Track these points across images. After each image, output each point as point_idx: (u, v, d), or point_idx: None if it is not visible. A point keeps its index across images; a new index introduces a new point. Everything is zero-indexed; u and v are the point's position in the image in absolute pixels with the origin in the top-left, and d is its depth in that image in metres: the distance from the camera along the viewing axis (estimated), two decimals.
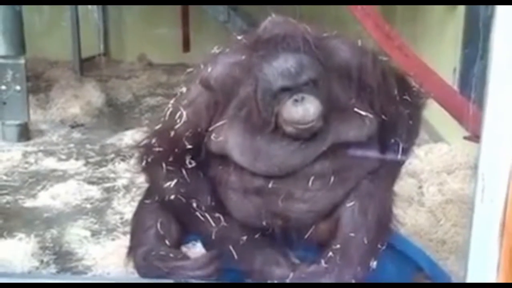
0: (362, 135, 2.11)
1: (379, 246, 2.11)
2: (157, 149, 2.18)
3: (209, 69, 2.15)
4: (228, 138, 2.10)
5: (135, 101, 5.85)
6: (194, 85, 2.19)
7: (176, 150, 2.14)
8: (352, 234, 2.08)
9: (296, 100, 1.97)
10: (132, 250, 2.28)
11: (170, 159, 2.15)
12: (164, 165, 2.15)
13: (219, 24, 6.32)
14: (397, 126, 2.23)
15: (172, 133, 2.13)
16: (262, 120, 2.04)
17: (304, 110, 1.96)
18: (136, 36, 7.29)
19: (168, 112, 2.18)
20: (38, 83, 5.98)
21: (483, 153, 1.67)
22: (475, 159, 3.85)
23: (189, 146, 2.13)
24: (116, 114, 5.47)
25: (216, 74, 2.13)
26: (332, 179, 2.09)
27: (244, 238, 2.11)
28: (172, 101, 2.22)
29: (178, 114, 2.13)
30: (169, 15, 6.84)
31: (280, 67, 1.98)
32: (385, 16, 3.62)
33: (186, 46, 6.36)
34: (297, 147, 2.06)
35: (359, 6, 3.16)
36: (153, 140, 2.19)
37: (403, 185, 3.39)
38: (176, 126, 2.12)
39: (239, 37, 2.25)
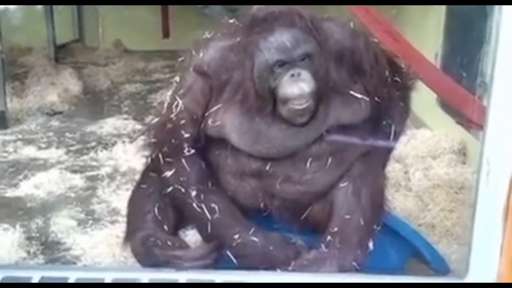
0: (358, 117, 2.13)
1: (375, 226, 2.13)
2: (157, 141, 2.16)
3: (201, 55, 2.14)
4: (226, 121, 2.09)
5: (113, 88, 5.74)
6: (188, 73, 2.18)
7: (176, 140, 2.12)
8: (348, 216, 2.10)
9: (292, 75, 1.97)
10: (129, 235, 2.26)
11: (170, 150, 2.13)
12: (164, 156, 2.13)
13: (197, 10, 6.24)
14: (389, 108, 2.25)
15: (171, 124, 2.12)
16: (260, 101, 2.03)
17: (300, 86, 1.96)
18: (111, 21, 7.14)
19: (166, 104, 2.17)
20: (12, 70, 5.82)
21: (488, 138, 1.68)
22: (459, 144, 3.90)
23: (187, 135, 2.12)
24: (94, 102, 5.37)
25: (209, 59, 2.12)
26: (329, 161, 2.10)
27: (246, 222, 2.11)
28: (169, 93, 2.21)
29: (175, 104, 2.12)
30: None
31: (276, 41, 1.97)
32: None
33: (166, 32, 6.26)
34: (297, 129, 2.06)
35: None
36: (153, 133, 2.19)
37: (390, 170, 3.41)
38: (174, 116, 2.11)
39: (230, 21, 2.24)
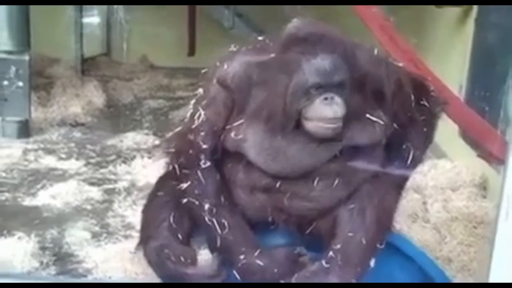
0: (372, 140, 2.14)
1: (378, 245, 2.13)
2: (176, 150, 2.18)
3: (226, 67, 2.16)
4: (247, 136, 2.11)
5: (136, 103, 5.80)
6: (212, 85, 2.20)
7: (194, 151, 2.14)
8: (351, 234, 2.10)
9: (326, 98, 2.00)
10: (143, 242, 2.26)
11: (187, 160, 2.15)
12: (181, 167, 2.14)
13: (223, 30, 6.30)
14: (410, 133, 2.25)
15: (192, 134, 2.13)
16: (285, 119, 2.04)
17: (333, 109, 2.00)
18: (138, 37, 7.24)
19: (189, 114, 2.19)
20: (39, 80, 5.91)
21: (509, 173, 1.64)
22: (480, 178, 3.83)
23: (205, 146, 2.14)
24: (117, 115, 5.41)
25: (233, 72, 2.15)
26: (336, 181, 2.11)
27: (254, 241, 2.13)
28: (192, 102, 2.24)
29: (197, 115, 2.13)
30: (172, 18, 6.79)
31: (318, 64, 2.00)
32: None
33: (192, 49, 6.31)
34: (313, 149, 2.08)
35: (373, 17, 3.14)
36: (174, 143, 2.21)
37: (408, 200, 3.37)
38: (195, 127, 2.13)
39: (259, 38, 2.27)
